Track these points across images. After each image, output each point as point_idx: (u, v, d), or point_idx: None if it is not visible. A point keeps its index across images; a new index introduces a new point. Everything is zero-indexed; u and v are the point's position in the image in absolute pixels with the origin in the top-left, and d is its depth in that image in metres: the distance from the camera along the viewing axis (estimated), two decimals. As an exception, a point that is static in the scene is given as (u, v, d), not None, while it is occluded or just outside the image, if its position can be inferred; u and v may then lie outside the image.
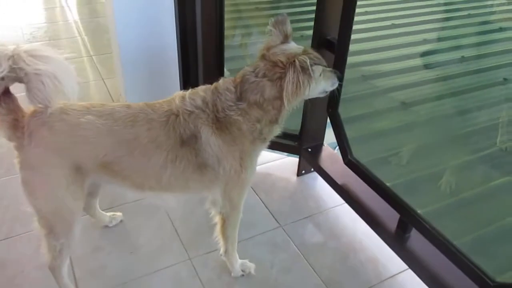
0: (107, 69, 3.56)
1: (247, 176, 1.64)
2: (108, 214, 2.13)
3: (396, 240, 1.90)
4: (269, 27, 1.55)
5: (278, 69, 1.47)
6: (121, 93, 2.97)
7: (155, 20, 2.66)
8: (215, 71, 2.51)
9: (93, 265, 1.94)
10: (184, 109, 1.52)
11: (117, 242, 2.06)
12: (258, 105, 1.51)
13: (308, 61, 1.41)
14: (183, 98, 1.55)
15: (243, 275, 1.91)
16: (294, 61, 1.42)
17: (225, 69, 2.67)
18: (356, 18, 1.89)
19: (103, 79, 3.45)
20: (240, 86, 1.52)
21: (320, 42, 2.02)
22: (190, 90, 1.60)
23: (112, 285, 1.85)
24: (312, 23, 2.08)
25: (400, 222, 1.89)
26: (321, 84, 1.59)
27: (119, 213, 2.17)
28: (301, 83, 1.43)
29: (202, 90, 1.58)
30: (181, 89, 2.75)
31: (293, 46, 1.53)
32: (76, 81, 1.41)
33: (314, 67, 1.47)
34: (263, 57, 1.52)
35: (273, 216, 2.23)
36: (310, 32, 2.11)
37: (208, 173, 1.59)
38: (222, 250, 1.87)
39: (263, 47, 1.55)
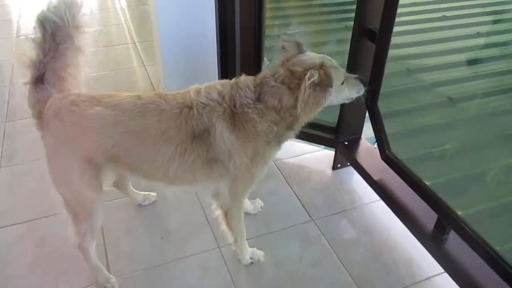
0: (149, 56, 3.62)
1: (257, 173, 1.63)
2: (142, 193, 2.17)
3: (433, 241, 1.81)
4: (282, 43, 1.56)
5: (295, 79, 1.46)
6: (160, 80, 3.01)
7: (195, 8, 2.67)
8: (253, 60, 2.49)
9: (125, 247, 1.98)
10: (198, 101, 1.50)
11: (149, 226, 2.09)
12: (275, 110, 1.51)
13: (316, 77, 1.39)
14: (198, 91, 1.53)
15: (252, 263, 1.90)
16: (306, 74, 1.40)
17: (264, 58, 2.64)
18: (404, 9, 1.81)
19: (144, 66, 3.51)
20: (259, 88, 1.51)
21: (361, 32, 1.95)
22: (205, 84, 1.57)
23: (142, 267, 1.89)
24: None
25: (438, 222, 1.80)
26: (345, 92, 1.60)
27: (153, 193, 2.21)
28: (313, 97, 1.42)
29: (219, 84, 1.56)
30: (218, 78, 2.77)
31: (312, 56, 1.52)
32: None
33: (333, 78, 1.46)
34: (283, 64, 1.52)
35: (305, 209, 2.19)
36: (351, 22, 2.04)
37: (217, 167, 1.57)
38: (231, 240, 1.86)
39: (282, 59, 1.54)
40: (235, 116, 1.49)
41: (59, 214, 2.10)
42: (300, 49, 1.53)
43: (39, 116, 1.51)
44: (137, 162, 1.55)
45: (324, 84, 1.42)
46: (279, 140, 1.59)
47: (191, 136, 1.48)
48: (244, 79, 1.54)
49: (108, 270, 1.84)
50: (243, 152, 1.53)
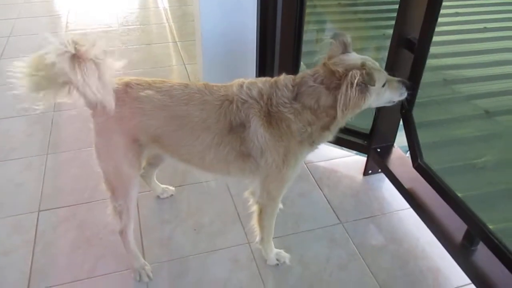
0: (189, 55, 3.74)
1: (288, 173, 1.65)
2: (162, 186, 2.27)
3: (461, 252, 1.82)
4: (329, 40, 1.57)
5: (335, 79, 1.47)
6: (199, 79, 3.11)
7: (237, 10, 2.75)
8: (291, 64, 2.55)
9: (160, 236, 2.08)
10: (239, 97, 1.56)
11: (183, 218, 2.19)
12: (312, 110, 1.53)
13: (358, 77, 1.39)
14: (241, 86, 1.60)
15: (277, 264, 1.95)
16: (348, 74, 1.41)
17: (301, 63, 2.69)
18: (444, 19, 1.82)
19: (184, 64, 3.63)
20: (297, 87, 1.54)
21: (400, 41, 1.97)
22: (249, 80, 1.63)
23: (175, 256, 1.98)
24: (394, 22, 2.04)
25: (467, 233, 1.81)
26: (386, 95, 1.60)
27: (171, 188, 2.31)
28: (354, 97, 1.42)
29: (260, 81, 1.61)
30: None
31: (354, 57, 1.53)
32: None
33: (375, 79, 1.46)
34: (323, 64, 1.54)
35: (335, 212, 2.23)
36: (392, 31, 2.07)
37: (249, 162, 1.63)
38: (258, 238, 1.92)
39: (325, 57, 1.56)
40: (271, 114, 1.54)
41: (99, 201, 2.23)
42: (345, 49, 1.54)
43: None
44: (177, 145, 1.64)
45: (365, 84, 1.43)
46: (313, 141, 1.61)
47: (228, 128, 1.55)
48: (283, 79, 1.59)
49: (143, 257, 1.94)
50: (275, 150, 1.58)
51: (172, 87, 1.60)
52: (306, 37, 2.67)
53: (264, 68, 2.77)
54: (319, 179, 2.44)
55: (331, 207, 2.27)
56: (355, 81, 1.39)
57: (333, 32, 1.59)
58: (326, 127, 1.57)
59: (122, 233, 1.81)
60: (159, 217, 2.18)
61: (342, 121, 1.55)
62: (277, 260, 1.95)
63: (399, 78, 1.65)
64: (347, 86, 1.40)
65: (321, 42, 3.53)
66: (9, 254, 1.97)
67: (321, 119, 1.54)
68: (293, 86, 1.55)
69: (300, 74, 1.58)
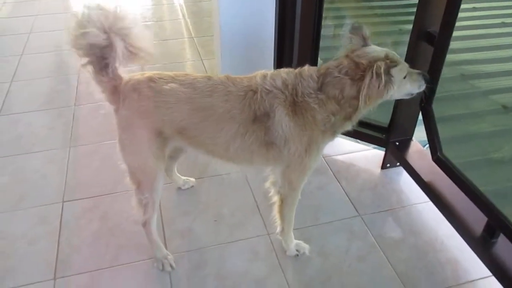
0: (206, 50, 3.78)
1: (310, 162, 1.68)
2: (183, 177, 2.31)
3: (481, 243, 1.83)
4: (347, 35, 1.59)
5: (359, 70, 1.50)
6: (218, 74, 3.14)
7: (256, 6, 2.77)
8: (309, 59, 2.56)
9: (181, 227, 2.12)
10: (263, 87, 1.59)
11: (204, 209, 2.22)
12: (336, 100, 1.56)
13: (383, 68, 1.43)
14: (264, 76, 1.63)
15: (297, 255, 1.97)
16: (372, 66, 1.44)
17: (318, 59, 2.70)
18: (462, 14, 1.82)
19: (202, 60, 3.66)
20: (322, 78, 1.57)
21: (420, 34, 1.98)
22: (272, 71, 1.66)
23: (195, 247, 2.02)
24: (410, 17, 2.05)
25: (487, 226, 1.81)
26: (407, 86, 1.62)
27: (192, 179, 2.35)
28: (377, 88, 1.46)
29: (284, 72, 1.64)
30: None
31: (376, 49, 1.55)
32: (151, 44, 1.60)
33: (395, 72, 1.49)
34: (346, 56, 1.56)
35: (353, 205, 2.25)
36: (408, 26, 2.07)
37: (273, 151, 1.65)
38: (278, 229, 1.94)
39: (347, 50, 1.58)
40: (296, 104, 1.57)
41: (122, 193, 2.28)
42: (365, 42, 1.57)
43: (113, 91, 1.64)
44: (202, 137, 1.67)
45: (388, 75, 1.46)
46: (334, 131, 1.64)
47: (253, 118, 1.58)
48: (308, 69, 1.61)
49: (165, 247, 1.98)
50: (298, 139, 1.61)
51: (195, 79, 1.63)
52: (322, 32, 2.69)
53: (281, 63, 2.79)
54: (337, 172, 2.45)
55: (350, 200, 2.28)
56: (381, 71, 1.42)
57: (351, 26, 1.60)
58: (348, 117, 1.61)
59: (146, 224, 1.85)
60: (180, 209, 2.22)
61: (363, 111, 1.58)
62: (297, 250, 1.97)
63: (419, 71, 1.66)
64: (371, 77, 1.44)
65: (337, 37, 3.55)
66: (35, 244, 2.02)
67: (345, 109, 1.57)
68: (318, 77, 1.58)
69: (324, 65, 1.60)
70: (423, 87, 1.66)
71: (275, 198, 1.87)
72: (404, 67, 1.57)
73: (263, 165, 1.80)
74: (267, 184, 1.89)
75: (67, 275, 1.89)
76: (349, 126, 1.66)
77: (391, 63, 1.48)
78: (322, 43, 2.63)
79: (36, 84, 3.31)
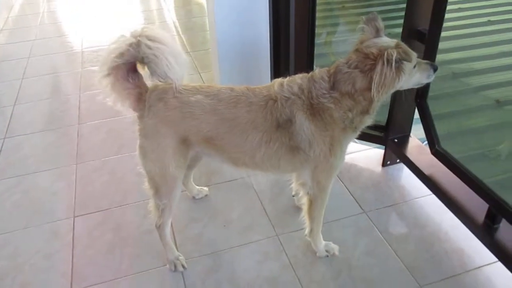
0: (202, 64, 3.87)
1: (336, 161, 1.73)
2: (197, 187, 2.36)
3: (484, 230, 1.89)
4: (361, 25, 1.62)
5: (369, 61, 1.53)
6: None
7: (251, 20, 2.87)
8: (305, 67, 2.63)
9: (191, 233, 2.17)
10: (282, 95, 1.65)
11: (213, 215, 2.27)
12: (349, 95, 1.59)
13: (395, 55, 1.45)
14: (281, 84, 1.69)
15: (327, 256, 2.01)
16: (383, 54, 1.47)
17: (314, 66, 2.78)
18: (448, 15, 1.90)
19: (199, 73, 3.74)
20: (333, 76, 1.61)
21: (411, 32, 2.06)
22: (288, 78, 1.72)
23: (206, 251, 2.06)
24: (398, 21, 2.13)
25: (489, 212, 1.88)
26: (416, 76, 1.65)
27: (205, 188, 2.40)
28: (389, 76, 1.48)
29: (299, 77, 1.70)
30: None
31: (386, 40, 1.58)
32: (184, 59, 1.66)
33: (405, 61, 1.50)
34: (356, 50, 1.60)
35: (358, 203, 2.31)
36: (397, 30, 2.16)
37: (299, 155, 1.71)
38: (307, 230, 1.98)
39: (357, 42, 1.62)
40: (313, 107, 1.62)
41: (131, 204, 2.33)
42: (377, 33, 1.59)
43: (139, 98, 1.69)
44: (227, 146, 1.73)
45: (401, 62, 1.47)
46: (355, 127, 1.67)
47: (276, 126, 1.64)
48: (319, 72, 1.66)
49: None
50: (321, 140, 1.65)
51: (220, 91, 1.70)
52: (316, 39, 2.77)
53: (278, 72, 2.87)
54: (340, 173, 2.51)
55: (354, 198, 2.34)
56: (393, 57, 1.44)
57: (366, 16, 1.61)
58: (365, 111, 1.63)
59: (160, 227, 1.90)
60: (189, 216, 2.27)
61: (378, 102, 1.60)
62: (327, 251, 2.00)
63: (427, 61, 1.70)
64: (382, 65, 1.46)
65: (329, 44, 3.64)
66: (51, 258, 2.07)
67: (359, 102, 1.60)
68: (328, 77, 1.62)
69: (334, 64, 1.64)
70: (432, 77, 1.68)
71: (304, 200, 1.91)
72: (414, 55, 1.59)
73: (290, 170, 1.84)
74: (296, 186, 1.93)
75: (83, 286, 1.93)
76: (369, 121, 1.68)
77: (404, 50, 1.50)
78: (316, 51, 2.71)
79: (39, 106, 3.38)
